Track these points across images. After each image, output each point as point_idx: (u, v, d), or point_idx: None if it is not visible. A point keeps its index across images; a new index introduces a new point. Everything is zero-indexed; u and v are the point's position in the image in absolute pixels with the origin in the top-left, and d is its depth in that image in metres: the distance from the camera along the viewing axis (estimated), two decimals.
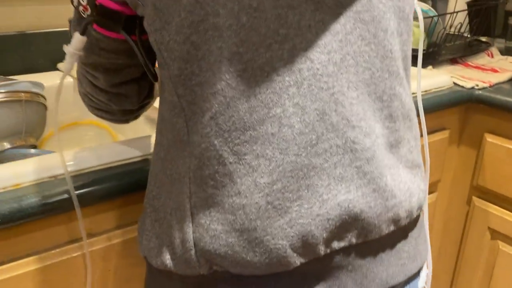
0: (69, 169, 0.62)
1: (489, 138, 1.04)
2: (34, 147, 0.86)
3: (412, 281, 0.55)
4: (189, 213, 0.47)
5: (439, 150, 1.07)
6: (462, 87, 1.05)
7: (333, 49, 0.45)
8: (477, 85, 1.04)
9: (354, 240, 0.49)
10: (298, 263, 0.47)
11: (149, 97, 0.62)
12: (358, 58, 0.47)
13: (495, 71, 1.14)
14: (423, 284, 0.58)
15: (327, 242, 0.47)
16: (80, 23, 0.52)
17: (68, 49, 0.52)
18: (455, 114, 1.08)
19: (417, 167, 0.54)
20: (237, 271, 0.47)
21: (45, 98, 0.86)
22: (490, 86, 1.05)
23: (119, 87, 0.57)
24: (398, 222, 0.51)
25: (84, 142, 0.96)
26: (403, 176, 0.51)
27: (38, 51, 1.07)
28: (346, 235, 0.48)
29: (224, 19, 0.42)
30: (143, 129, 0.92)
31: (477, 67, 1.18)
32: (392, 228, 0.50)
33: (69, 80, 1.02)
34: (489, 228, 1.08)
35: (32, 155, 0.82)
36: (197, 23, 0.43)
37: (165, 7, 0.44)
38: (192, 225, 0.47)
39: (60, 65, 0.53)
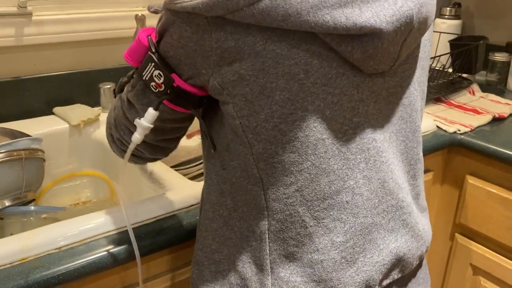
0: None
1: (470, 180, 1.09)
2: (33, 200, 0.88)
3: None
4: (268, 267, 0.55)
5: None
6: (445, 131, 1.09)
7: (386, 129, 0.56)
8: (459, 130, 1.09)
9: (395, 277, 0.60)
10: None
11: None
12: (398, 134, 0.58)
13: (476, 112, 1.19)
14: None
15: (380, 282, 0.58)
16: (145, 95, 0.56)
17: (141, 123, 0.56)
18: (439, 156, 1.13)
19: (426, 210, 0.66)
20: None
21: (43, 152, 0.89)
22: (471, 130, 1.09)
23: (161, 141, 0.62)
24: (421, 256, 0.63)
25: (82, 191, 0.98)
26: (422, 220, 0.63)
27: (34, 96, 1.09)
28: (391, 274, 0.59)
29: (311, 113, 0.50)
30: (136, 176, 0.94)
31: (459, 107, 1.23)
32: (418, 262, 0.62)
33: (64, 127, 1.04)
34: (471, 264, 1.13)
35: (31, 212, 0.84)
36: (286, 115, 0.50)
37: (256, 100, 0.50)
38: (271, 277, 0.55)
39: (133, 138, 0.58)
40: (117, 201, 0.98)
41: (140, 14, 1.06)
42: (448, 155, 1.14)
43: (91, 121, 1.05)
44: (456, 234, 1.16)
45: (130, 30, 1.19)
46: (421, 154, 0.63)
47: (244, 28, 0.47)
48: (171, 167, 0.95)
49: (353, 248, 0.55)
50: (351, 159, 0.53)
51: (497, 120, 1.16)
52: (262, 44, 0.47)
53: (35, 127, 1.02)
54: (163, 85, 0.54)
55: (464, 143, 1.07)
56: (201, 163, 0.98)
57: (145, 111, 0.56)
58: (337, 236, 0.54)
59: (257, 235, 0.56)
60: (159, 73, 0.54)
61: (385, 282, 0.58)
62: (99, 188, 0.99)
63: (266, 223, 0.55)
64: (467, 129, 1.09)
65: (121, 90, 0.62)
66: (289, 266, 0.55)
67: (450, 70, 1.39)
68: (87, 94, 1.16)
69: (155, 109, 0.55)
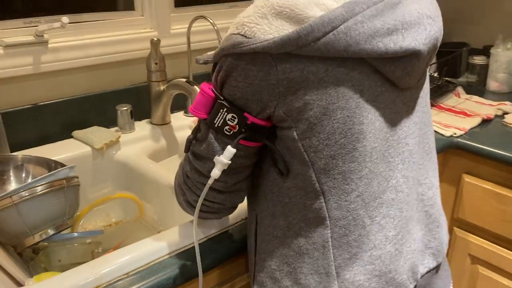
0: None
1: (467, 178, 1.19)
2: (70, 226, 0.91)
3: None
4: (334, 272, 0.61)
5: None
6: (442, 135, 1.19)
7: (416, 135, 0.66)
8: (455, 133, 1.19)
9: (431, 265, 0.68)
10: None
11: None
12: (424, 137, 0.68)
13: (466, 114, 1.30)
14: None
15: (420, 268, 0.66)
16: (219, 141, 0.61)
17: (221, 160, 0.61)
18: (437, 157, 1.22)
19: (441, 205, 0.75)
20: None
21: (78, 178, 0.92)
22: (465, 133, 1.20)
23: (235, 185, 0.66)
24: (447, 245, 0.72)
25: (112, 212, 1.02)
26: (443, 212, 0.73)
27: (51, 121, 1.11)
28: (426, 262, 0.68)
29: (366, 126, 0.58)
30: (167, 195, 0.99)
31: (449, 110, 1.34)
32: (446, 250, 0.71)
33: (87, 150, 1.07)
34: (469, 254, 1.24)
35: (75, 238, 0.88)
36: (346, 130, 0.57)
37: (319, 121, 0.57)
38: (337, 281, 0.61)
39: (212, 173, 0.63)
40: (147, 220, 1.02)
41: (155, 39, 1.10)
42: (444, 156, 1.24)
43: (113, 143, 1.09)
44: (455, 228, 1.26)
45: (139, 52, 1.23)
46: (436, 155, 0.73)
47: (308, 58, 0.54)
48: None
49: (402, 240, 0.63)
50: (391, 161, 0.62)
51: (485, 122, 1.27)
52: (325, 71, 0.54)
53: (58, 152, 1.05)
54: (237, 126, 0.59)
55: (460, 146, 1.17)
56: None
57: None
58: (389, 231, 0.62)
59: (318, 245, 0.61)
60: (232, 116, 0.59)
61: (422, 269, 0.67)
62: (127, 208, 1.03)
63: (329, 231, 0.61)
64: (462, 132, 1.19)
65: (189, 147, 0.66)
66: (352, 268, 0.61)
67: (435, 74, 1.49)
68: (102, 115, 1.19)
69: (234, 147, 0.60)
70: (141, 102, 1.25)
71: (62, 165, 0.94)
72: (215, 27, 1.15)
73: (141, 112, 1.25)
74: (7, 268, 0.75)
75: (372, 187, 0.60)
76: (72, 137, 1.13)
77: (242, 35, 0.55)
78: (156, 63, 1.14)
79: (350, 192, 0.59)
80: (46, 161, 0.95)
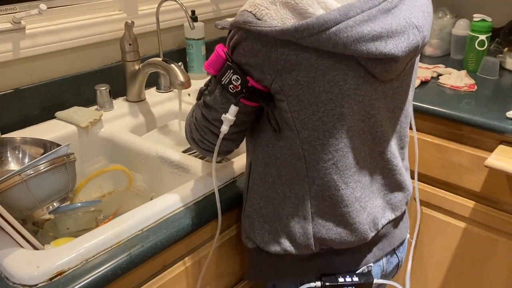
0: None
1: (410, 133, 1.38)
2: (71, 198, 1.00)
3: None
4: (310, 217, 0.77)
5: None
6: None
7: (389, 117, 0.77)
8: None
9: (389, 217, 0.83)
10: (370, 237, 0.80)
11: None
12: (396, 119, 0.79)
13: None
14: None
15: (381, 220, 0.81)
16: (224, 96, 0.73)
17: (227, 117, 0.74)
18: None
19: (408, 169, 0.89)
20: (338, 247, 0.79)
21: (73, 154, 1.00)
22: None
23: (232, 135, 0.79)
24: (407, 203, 0.88)
25: (104, 184, 1.11)
26: (407, 177, 0.86)
27: (32, 104, 1.17)
28: (386, 215, 0.83)
29: (346, 109, 0.70)
30: (155, 165, 1.09)
31: None
32: (405, 207, 0.87)
33: (72, 129, 1.14)
34: (413, 197, 1.45)
35: (79, 208, 0.97)
36: (328, 110, 0.70)
37: (307, 99, 0.69)
38: (312, 223, 0.77)
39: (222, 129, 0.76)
40: (137, 188, 1.12)
41: (130, 22, 1.18)
42: None
43: (96, 121, 1.17)
44: None
45: (110, 34, 1.29)
46: (408, 130, 0.85)
47: (303, 47, 0.65)
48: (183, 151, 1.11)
49: (365, 198, 0.78)
50: (363, 138, 0.75)
51: (423, 83, 1.46)
52: (316, 59, 0.66)
53: (44, 132, 1.12)
54: (239, 86, 0.71)
55: None
56: None
57: (225, 109, 0.74)
58: (357, 192, 0.76)
59: (299, 195, 0.76)
60: (236, 77, 0.71)
61: (383, 220, 0.82)
62: (117, 179, 1.12)
63: (307, 186, 0.75)
64: None
65: (201, 97, 0.78)
66: (325, 215, 0.76)
67: None
68: (80, 95, 1.26)
69: (236, 105, 0.72)
70: (115, 81, 1.32)
71: (57, 144, 1.02)
72: (184, 7, 1.24)
73: (116, 90, 1.32)
74: (27, 236, 0.84)
75: (348, 159, 0.73)
76: (54, 118, 1.19)
77: (254, 14, 0.66)
78: (130, 44, 1.21)
79: (327, 160, 0.73)
80: (41, 142, 1.02)
